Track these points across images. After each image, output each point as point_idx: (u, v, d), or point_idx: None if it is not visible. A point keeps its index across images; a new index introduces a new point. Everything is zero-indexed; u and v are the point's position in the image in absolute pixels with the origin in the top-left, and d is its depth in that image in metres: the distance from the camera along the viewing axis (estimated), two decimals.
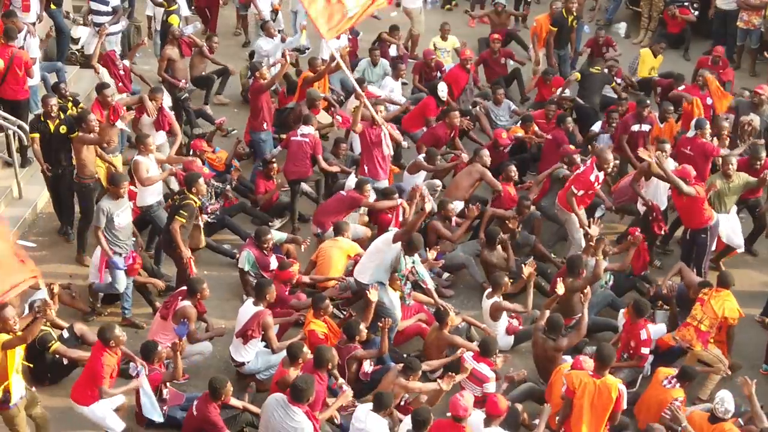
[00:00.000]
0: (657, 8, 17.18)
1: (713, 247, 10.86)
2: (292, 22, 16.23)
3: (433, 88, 13.49)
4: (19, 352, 7.92)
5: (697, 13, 17.06)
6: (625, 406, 8.06)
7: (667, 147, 11.18)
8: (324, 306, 9.26)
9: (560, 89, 13.96)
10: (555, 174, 11.73)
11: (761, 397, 8.84)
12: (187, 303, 9.10)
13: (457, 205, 11.55)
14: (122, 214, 9.77)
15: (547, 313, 9.35)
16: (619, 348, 9.34)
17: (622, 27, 17.85)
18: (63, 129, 10.91)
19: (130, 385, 8.37)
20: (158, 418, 8.46)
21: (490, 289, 10.00)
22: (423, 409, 8.00)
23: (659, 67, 15.12)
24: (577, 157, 11.75)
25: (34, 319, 7.83)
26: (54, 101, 10.99)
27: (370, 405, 8.08)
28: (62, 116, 11.00)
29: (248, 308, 9.17)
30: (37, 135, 10.96)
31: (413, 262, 9.56)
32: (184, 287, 9.31)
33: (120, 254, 9.80)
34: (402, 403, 8.67)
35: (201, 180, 10.12)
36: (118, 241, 9.77)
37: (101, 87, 11.55)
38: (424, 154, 12.06)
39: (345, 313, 10.00)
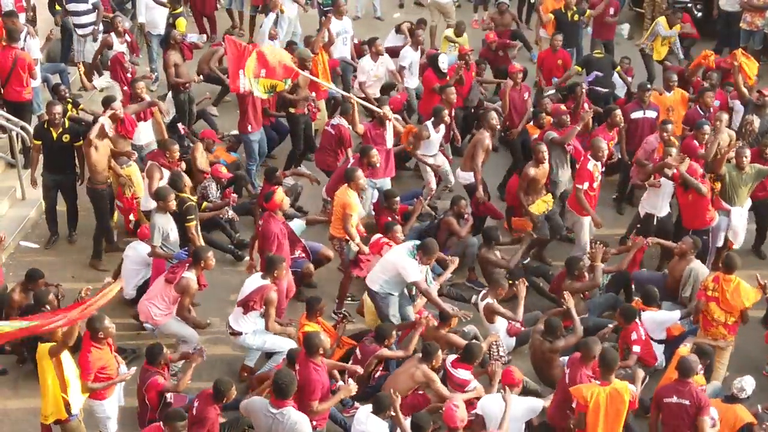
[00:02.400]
0: (660, 9, 17.15)
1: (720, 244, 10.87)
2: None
3: (434, 60, 13.33)
4: (70, 360, 7.90)
5: (700, 14, 17.03)
6: (637, 405, 8.17)
7: (674, 152, 11.02)
8: (319, 308, 9.25)
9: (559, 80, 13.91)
10: (545, 138, 11.56)
11: (765, 398, 8.89)
12: (191, 276, 9.06)
13: (470, 177, 11.58)
14: (173, 228, 9.69)
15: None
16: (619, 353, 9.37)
17: (625, 28, 17.81)
18: (66, 138, 10.80)
19: (116, 380, 8.27)
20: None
21: (485, 290, 10.01)
22: (423, 414, 8.04)
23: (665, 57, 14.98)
24: (567, 118, 11.64)
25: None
26: (58, 109, 10.85)
27: (371, 407, 8.07)
28: (66, 125, 10.88)
29: (255, 280, 9.16)
30: (39, 142, 10.90)
31: (426, 272, 9.57)
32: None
33: None
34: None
35: (182, 175, 10.23)
36: (167, 250, 9.65)
37: (108, 100, 11.28)
38: (431, 120, 11.96)
39: (339, 315, 10.00)
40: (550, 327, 9.16)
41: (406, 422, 8.01)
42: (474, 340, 9.33)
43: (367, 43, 14.06)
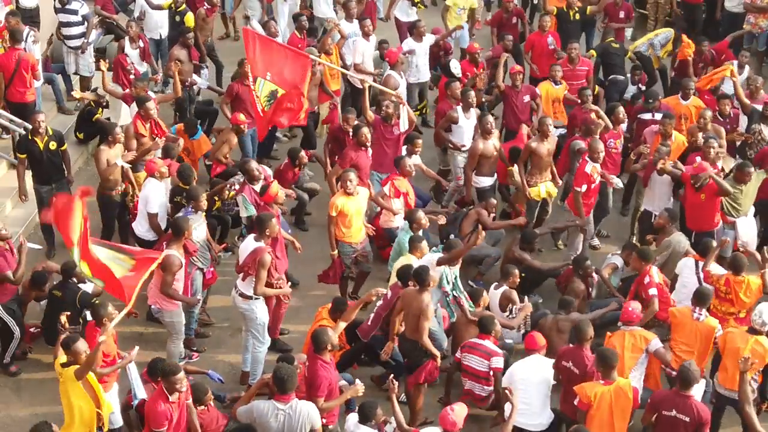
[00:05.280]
0: (663, 11, 17.14)
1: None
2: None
3: (446, 67, 13.51)
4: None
5: (704, 16, 17.01)
6: (639, 403, 8.18)
7: (663, 150, 11.01)
8: (343, 310, 9.01)
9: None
10: (572, 146, 11.70)
11: None
12: (170, 252, 8.96)
13: (484, 181, 11.61)
14: (199, 228, 9.62)
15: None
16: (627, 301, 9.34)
17: (628, 30, 17.77)
18: (53, 145, 10.75)
19: (124, 362, 8.28)
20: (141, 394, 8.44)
21: (497, 282, 10.10)
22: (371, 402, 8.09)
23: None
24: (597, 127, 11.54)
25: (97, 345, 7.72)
26: (41, 117, 10.78)
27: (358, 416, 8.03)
28: (50, 132, 10.82)
29: (249, 243, 9.15)
30: (24, 156, 10.83)
31: (455, 276, 9.58)
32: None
33: (202, 269, 9.71)
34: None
35: (191, 168, 10.38)
36: (197, 254, 9.59)
37: (144, 100, 11.29)
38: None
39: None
40: (564, 302, 9.67)
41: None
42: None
43: (359, 22, 14.02)
